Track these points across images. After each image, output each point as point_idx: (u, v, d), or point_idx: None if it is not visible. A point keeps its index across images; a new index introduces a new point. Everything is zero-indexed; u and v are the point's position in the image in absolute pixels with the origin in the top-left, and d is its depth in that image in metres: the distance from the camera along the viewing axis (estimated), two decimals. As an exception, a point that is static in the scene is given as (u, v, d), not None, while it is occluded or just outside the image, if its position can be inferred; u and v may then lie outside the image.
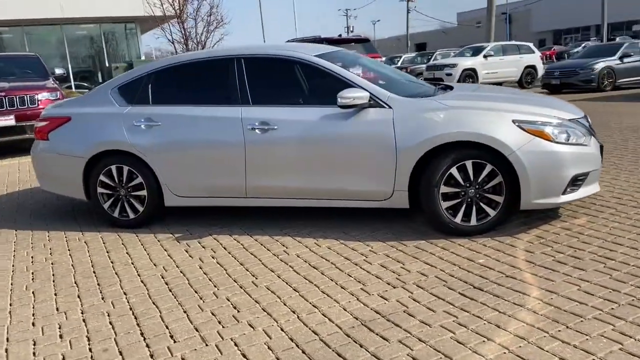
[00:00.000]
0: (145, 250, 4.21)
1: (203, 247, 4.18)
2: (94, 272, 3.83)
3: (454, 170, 3.87)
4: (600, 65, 15.05)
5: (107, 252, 4.23)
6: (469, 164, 3.85)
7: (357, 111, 4.06)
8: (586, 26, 57.35)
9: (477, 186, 3.90)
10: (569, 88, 15.44)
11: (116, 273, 3.79)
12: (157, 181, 4.59)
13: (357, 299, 3.11)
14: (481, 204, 3.93)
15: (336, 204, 4.26)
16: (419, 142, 3.87)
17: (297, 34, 39.53)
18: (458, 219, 3.94)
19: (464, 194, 3.92)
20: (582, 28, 58.38)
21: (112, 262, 4.00)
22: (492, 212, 3.92)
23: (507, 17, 54.78)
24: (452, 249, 3.75)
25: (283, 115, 4.23)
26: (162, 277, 3.65)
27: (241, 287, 3.39)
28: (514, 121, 3.82)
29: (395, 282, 3.29)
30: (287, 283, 3.41)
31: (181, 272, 3.72)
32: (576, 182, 3.89)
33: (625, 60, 15.26)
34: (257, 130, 4.24)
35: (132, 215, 4.73)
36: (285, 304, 3.11)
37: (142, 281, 3.62)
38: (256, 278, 3.52)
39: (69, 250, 4.35)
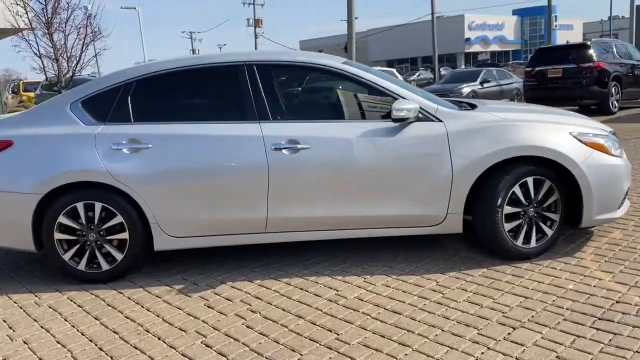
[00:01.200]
0: (149, 310, 3.22)
1: (228, 299, 3.30)
2: (103, 350, 2.79)
3: (516, 189, 3.52)
4: (466, 89, 16.28)
5: (96, 318, 3.16)
6: (530, 180, 3.54)
7: (403, 126, 3.54)
8: (414, 57, 62.84)
9: (535, 205, 3.59)
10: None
11: (137, 348, 2.79)
12: (143, 219, 3.59)
13: (488, 348, 2.58)
14: (540, 223, 3.63)
15: (377, 233, 3.67)
16: (480, 158, 3.47)
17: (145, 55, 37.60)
18: (519, 241, 3.59)
19: (523, 214, 3.59)
20: (411, 59, 63.79)
21: (115, 333, 2.97)
22: (549, 232, 3.65)
23: (345, 47, 58.23)
24: (526, 275, 3.38)
25: (315, 131, 3.55)
26: (209, 347, 2.76)
27: (330, 348, 2.66)
28: (571, 134, 3.59)
29: (508, 322, 2.82)
30: (382, 336, 2.75)
31: (228, 335, 2.85)
32: (625, 195, 3.78)
33: (485, 85, 16.69)
34: (284, 151, 3.51)
35: (105, 267, 3.64)
36: (411, 365, 2.47)
37: (185, 355, 2.69)
38: (338, 334, 2.80)
39: (35, 321, 3.18)
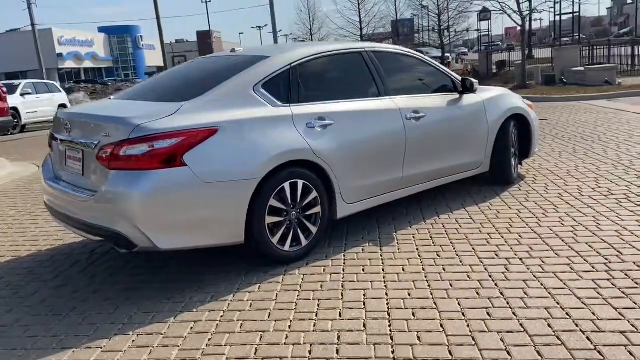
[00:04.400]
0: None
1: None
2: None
3: (513, 134, 5.35)
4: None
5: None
6: (514, 128, 5.39)
7: (462, 97, 4.94)
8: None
9: (516, 141, 5.50)
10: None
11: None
12: (329, 191, 3.89)
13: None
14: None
15: (442, 182, 4.89)
16: (499, 117, 5.16)
17: None
18: (516, 169, 5.49)
19: (514, 147, 5.44)
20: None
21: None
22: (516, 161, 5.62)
23: None
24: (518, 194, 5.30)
25: (424, 103, 4.59)
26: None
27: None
28: (523, 100, 5.66)
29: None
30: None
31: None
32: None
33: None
34: (412, 120, 4.41)
35: (304, 242, 3.78)
36: None
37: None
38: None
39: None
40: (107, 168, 3.27)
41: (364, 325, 2.82)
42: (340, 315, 2.95)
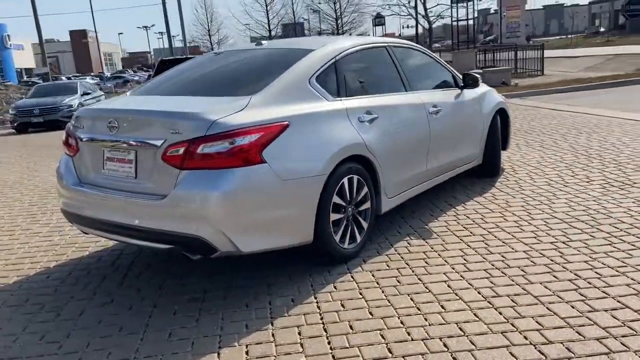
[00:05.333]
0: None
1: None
2: (509, 265, 3.44)
3: (499, 125, 5.64)
4: (75, 101, 15.90)
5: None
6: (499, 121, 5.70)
7: (463, 92, 5.11)
8: None
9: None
10: (52, 125, 15.39)
11: (517, 257, 3.57)
12: (376, 186, 3.86)
13: (599, 199, 4.77)
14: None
15: (451, 174, 5.05)
16: (490, 111, 5.42)
17: None
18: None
19: None
20: None
21: (478, 261, 3.55)
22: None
23: None
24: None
25: (439, 98, 4.70)
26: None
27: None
28: (499, 95, 5.99)
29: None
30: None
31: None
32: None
33: (87, 97, 16.69)
34: (433, 114, 4.50)
35: (358, 239, 3.72)
36: None
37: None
38: (553, 216, 4.37)
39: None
40: (177, 168, 3.00)
41: (476, 315, 2.84)
42: (444, 308, 2.95)
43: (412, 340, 2.64)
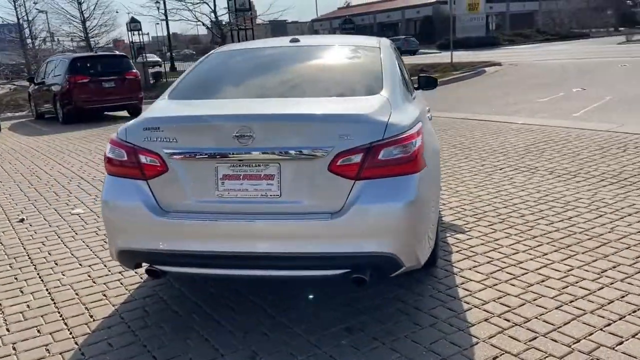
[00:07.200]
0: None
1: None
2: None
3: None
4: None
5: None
6: None
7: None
8: None
9: None
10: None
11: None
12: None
13: None
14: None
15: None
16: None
17: None
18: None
19: None
20: None
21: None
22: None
23: None
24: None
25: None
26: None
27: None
28: None
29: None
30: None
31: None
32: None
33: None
34: (430, 119, 4.38)
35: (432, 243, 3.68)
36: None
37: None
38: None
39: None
40: (351, 179, 2.56)
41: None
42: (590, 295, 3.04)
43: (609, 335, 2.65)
